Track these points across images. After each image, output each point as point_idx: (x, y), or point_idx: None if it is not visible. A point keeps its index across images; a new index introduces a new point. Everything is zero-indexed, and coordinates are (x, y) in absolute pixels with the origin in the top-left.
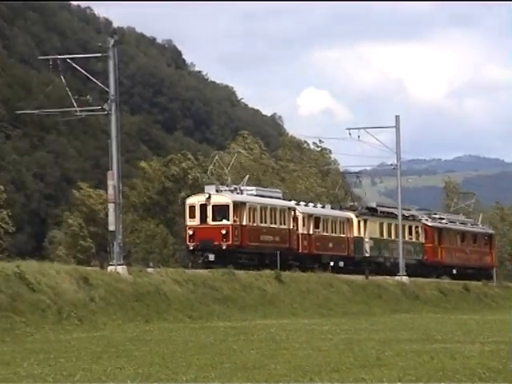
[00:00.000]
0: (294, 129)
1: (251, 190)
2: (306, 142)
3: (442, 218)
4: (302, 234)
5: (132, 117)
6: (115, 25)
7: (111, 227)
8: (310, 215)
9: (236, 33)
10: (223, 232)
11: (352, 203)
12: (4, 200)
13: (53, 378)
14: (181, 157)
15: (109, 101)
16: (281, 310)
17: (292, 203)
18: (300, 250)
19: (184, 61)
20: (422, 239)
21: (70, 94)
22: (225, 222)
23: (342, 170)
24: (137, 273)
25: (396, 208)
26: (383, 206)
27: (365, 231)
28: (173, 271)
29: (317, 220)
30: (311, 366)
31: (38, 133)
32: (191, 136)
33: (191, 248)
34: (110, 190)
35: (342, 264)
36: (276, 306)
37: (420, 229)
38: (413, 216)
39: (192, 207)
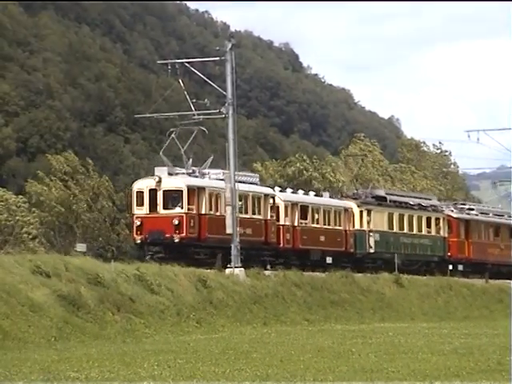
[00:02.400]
0: (412, 131)
1: (217, 174)
2: (424, 143)
3: (472, 209)
4: (283, 226)
5: (249, 120)
6: (233, 28)
7: (228, 230)
8: (294, 204)
9: (353, 36)
10: (175, 222)
11: (356, 191)
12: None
13: (172, 379)
14: (297, 158)
15: (226, 104)
16: (399, 314)
17: (270, 189)
18: (281, 245)
19: (301, 64)
20: (444, 233)
21: (188, 97)
22: (178, 210)
23: (461, 172)
24: (254, 275)
25: (411, 197)
26: (394, 195)
27: (369, 223)
28: (291, 274)
29: (304, 209)
30: (430, 370)
31: (156, 136)
32: (308, 139)
33: (138, 241)
34: (228, 193)
35: (329, 260)
36: (394, 310)
37: (442, 221)
38: (433, 206)
39: (140, 193)
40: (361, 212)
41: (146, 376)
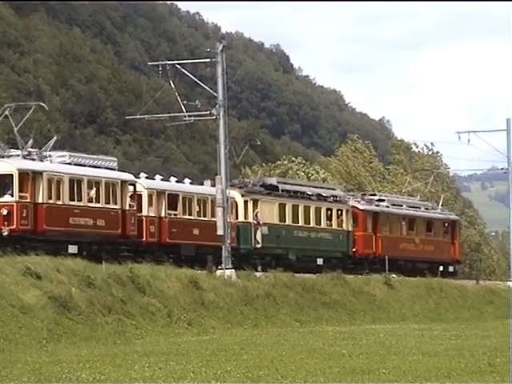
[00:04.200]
0: (404, 133)
1: (62, 157)
2: (415, 144)
3: (382, 200)
4: (147, 217)
5: (240, 121)
6: (224, 30)
7: (219, 231)
8: (160, 192)
9: (344, 37)
10: (4, 213)
11: (242, 179)
12: None
13: (163, 380)
14: (286, 158)
15: (217, 106)
16: (390, 315)
17: (130, 175)
18: (145, 238)
19: (292, 65)
20: (347, 226)
21: (178, 99)
22: (7, 198)
23: (451, 173)
24: (245, 277)
25: (310, 186)
26: (288, 183)
27: (256, 215)
28: (281, 275)
29: (173, 199)
30: (421, 371)
31: (147, 138)
32: (299, 140)
33: None
34: (219, 195)
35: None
36: (385, 311)
37: (345, 213)
38: (335, 196)
39: None
40: (245, 202)
41: (137, 377)
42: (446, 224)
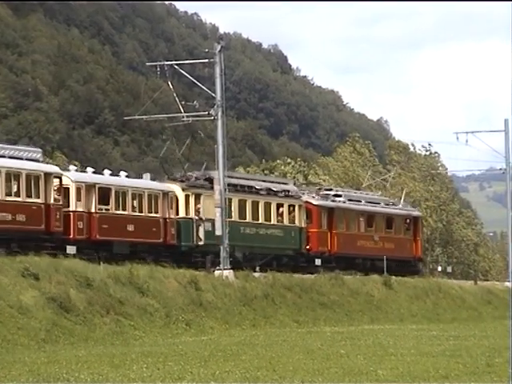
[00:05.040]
0: (402, 133)
1: None
2: (413, 145)
3: (338, 195)
4: (75, 213)
5: (238, 122)
6: (222, 30)
7: (218, 232)
8: (90, 185)
9: (342, 38)
10: None
11: (187, 173)
12: None
13: (161, 381)
14: (282, 161)
15: (215, 106)
16: (388, 316)
17: (55, 167)
18: (72, 235)
19: (290, 66)
20: (300, 222)
21: (177, 99)
22: None
23: (449, 174)
24: (244, 277)
25: (259, 180)
26: (235, 177)
27: (198, 211)
28: (280, 276)
29: (104, 193)
30: (419, 371)
31: (145, 138)
32: (297, 141)
33: None
34: (217, 195)
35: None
36: (383, 312)
37: (298, 208)
38: (287, 191)
39: None
40: (187, 197)
41: (135, 378)
42: (408, 220)
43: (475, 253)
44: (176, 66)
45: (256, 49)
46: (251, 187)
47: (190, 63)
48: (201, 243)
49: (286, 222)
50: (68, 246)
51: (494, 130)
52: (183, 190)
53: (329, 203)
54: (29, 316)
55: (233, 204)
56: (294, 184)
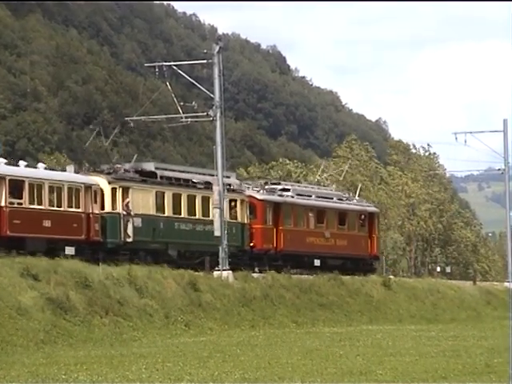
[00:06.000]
0: (401, 133)
1: None
2: (413, 145)
3: (286, 189)
4: None
5: (236, 123)
6: (220, 31)
7: (217, 232)
8: (0, 178)
9: (340, 38)
10: None
11: (113, 164)
12: None
13: (160, 381)
14: (281, 163)
15: (214, 107)
16: (387, 316)
17: None
18: None
19: (288, 66)
20: (242, 218)
21: (175, 100)
22: None
23: (448, 174)
24: (242, 278)
25: (195, 173)
26: (170, 170)
27: (127, 205)
28: (279, 276)
29: (17, 186)
30: (418, 372)
31: (144, 139)
32: (295, 141)
33: None
34: (216, 196)
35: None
36: (382, 312)
37: (240, 203)
38: (227, 185)
39: None
40: (113, 190)
41: (134, 379)
42: (363, 216)
43: (474, 253)
44: (174, 67)
45: (254, 49)
46: (187, 180)
47: (189, 64)
48: (129, 240)
49: (226, 217)
50: (67, 248)
51: (492, 130)
52: (109, 182)
53: (275, 198)
54: (28, 317)
55: (166, 198)
56: (237, 177)
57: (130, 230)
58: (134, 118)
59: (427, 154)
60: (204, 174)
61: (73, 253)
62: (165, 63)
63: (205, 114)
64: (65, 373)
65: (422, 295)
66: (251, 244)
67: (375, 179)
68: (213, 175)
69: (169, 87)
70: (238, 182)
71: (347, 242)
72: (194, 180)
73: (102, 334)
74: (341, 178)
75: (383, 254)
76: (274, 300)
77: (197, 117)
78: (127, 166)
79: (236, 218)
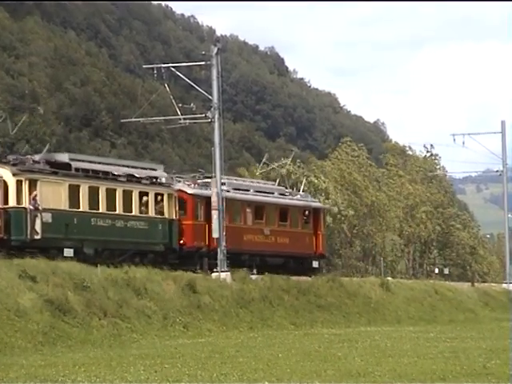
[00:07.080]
0: (399, 135)
1: None
2: (410, 147)
3: (222, 184)
4: None
5: (235, 124)
6: (218, 33)
7: (215, 234)
8: None
9: (338, 40)
10: None
11: (19, 154)
12: None
13: (159, 383)
14: (281, 165)
15: (212, 109)
16: (385, 317)
17: None
18: None
19: (286, 68)
20: (170, 213)
21: (174, 102)
22: None
23: (447, 176)
24: (241, 279)
25: (116, 165)
26: (86, 161)
27: (34, 199)
28: (277, 278)
29: None
30: (416, 373)
31: (142, 141)
32: (294, 143)
33: None
34: (214, 197)
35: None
36: (380, 313)
37: (167, 197)
38: (154, 178)
39: None
40: (19, 182)
41: (133, 380)
42: (307, 212)
43: (472, 254)
44: (173, 69)
45: (253, 51)
46: (107, 173)
47: (187, 66)
48: (37, 237)
49: (151, 213)
50: (65, 249)
51: (490, 132)
52: (14, 174)
53: (207, 192)
54: (26, 319)
55: (81, 192)
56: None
57: (38, 227)
58: (133, 119)
59: (429, 154)
60: (127, 166)
61: (71, 255)
62: (163, 65)
63: (203, 115)
64: (63, 374)
65: (420, 297)
66: (181, 242)
67: (371, 179)
68: (138, 167)
69: (167, 89)
70: (165, 174)
71: (289, 239)
72: (115, 172)
73: (101, 336)
74: (283, 172)
75: (381, 255)
76: (273, 301)
77: (195, 118)
78: (37, 157)
79: (163, 214)
